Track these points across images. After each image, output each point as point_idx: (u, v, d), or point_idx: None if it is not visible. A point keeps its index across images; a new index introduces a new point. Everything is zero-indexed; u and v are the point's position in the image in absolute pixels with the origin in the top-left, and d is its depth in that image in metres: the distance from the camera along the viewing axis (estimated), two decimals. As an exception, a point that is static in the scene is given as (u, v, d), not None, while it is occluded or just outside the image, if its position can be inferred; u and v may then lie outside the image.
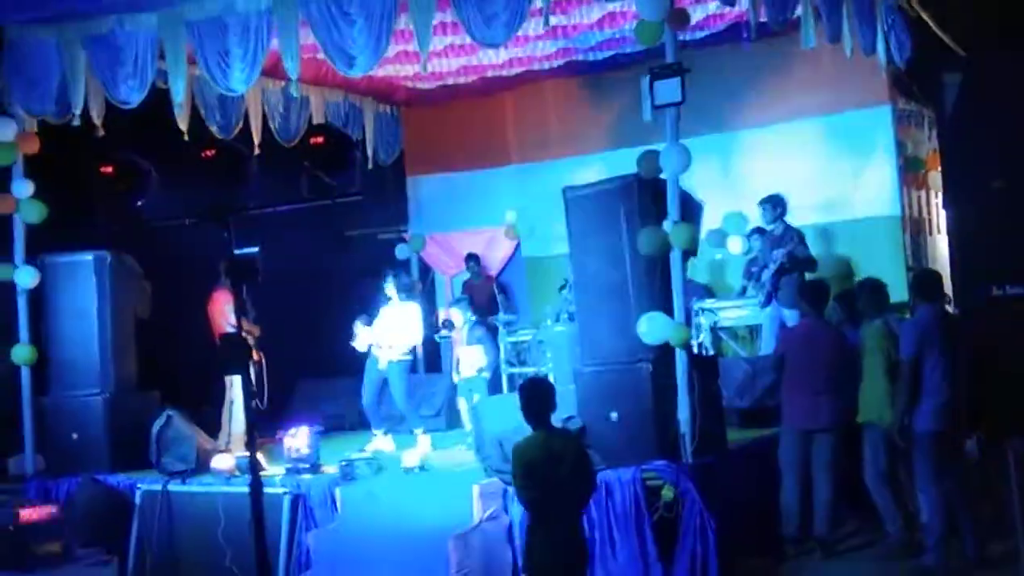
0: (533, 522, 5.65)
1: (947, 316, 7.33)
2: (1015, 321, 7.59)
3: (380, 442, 9.62)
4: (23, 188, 9.32)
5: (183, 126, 9.39)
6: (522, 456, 5.60)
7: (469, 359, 9.90)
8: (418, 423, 9.71)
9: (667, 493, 7.15)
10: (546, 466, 5.52)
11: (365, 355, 9.84)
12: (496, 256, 12.71)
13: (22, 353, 9.31)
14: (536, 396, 5.73)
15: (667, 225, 7.39)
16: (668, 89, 7.34)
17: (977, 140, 7.57)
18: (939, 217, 11.60)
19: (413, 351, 10.11)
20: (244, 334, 5.04)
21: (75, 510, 8.55)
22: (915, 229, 10.93)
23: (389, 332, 9.67)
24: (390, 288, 9.82)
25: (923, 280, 7.56)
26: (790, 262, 9.84)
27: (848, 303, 8.01)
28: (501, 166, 12.55)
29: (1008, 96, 8.20)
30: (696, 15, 9.35)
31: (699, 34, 9.99)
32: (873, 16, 9.21)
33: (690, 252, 7.64)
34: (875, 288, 7.58)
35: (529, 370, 11.05)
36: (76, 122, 8.82)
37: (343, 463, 8.19)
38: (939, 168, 11.09)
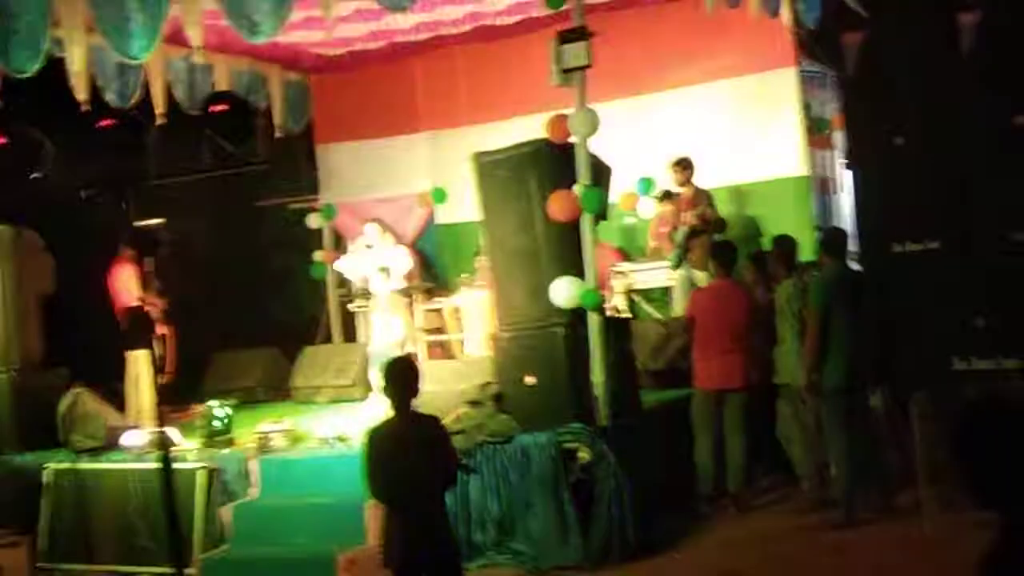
0: (388, 511, 5.34)
1: (852, 273, 7.48)
2: (916, 277, 7.77)
3: None
4: (-86, 162, 9.00)
5: (81, 97, 9.10)
6: (370, 442, 5.19)
7: (385, 329, 9.83)
8: None
9: (583, 455, 7.21)
10: (395, 452, 5.09)
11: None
12: (411, 223, 12.62)
13: (-81, 332, 9.03)
14: (396, 378, 5.22)
15: (577, 189, 7.41)
16: (576, 53, 7.35)
17: (878, 100, 7.71)
18: (843, 177, 11.80)
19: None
20: (147, 307, 4.94)
21: (-18, 491, 8.35)
22: (821, 189, 11.10)
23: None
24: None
25: (830, 238, 7.70)
26: (701, 223, 9.94)
27: (760, 263, 8.13)
28: (412, 133, 12.42)
29: (907, 56, 8.36)
30: (603, -23, 9.34)
31: (604, -4, 9.98)
32: (778, -22, 9.30)
33: (600, 216, 7.67)
34: (785, 247, 7.70)
35: (444, 337, 11.03)
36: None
37: (259, 435, 8.10)
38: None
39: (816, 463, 7.56)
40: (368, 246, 9.84)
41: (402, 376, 5.22)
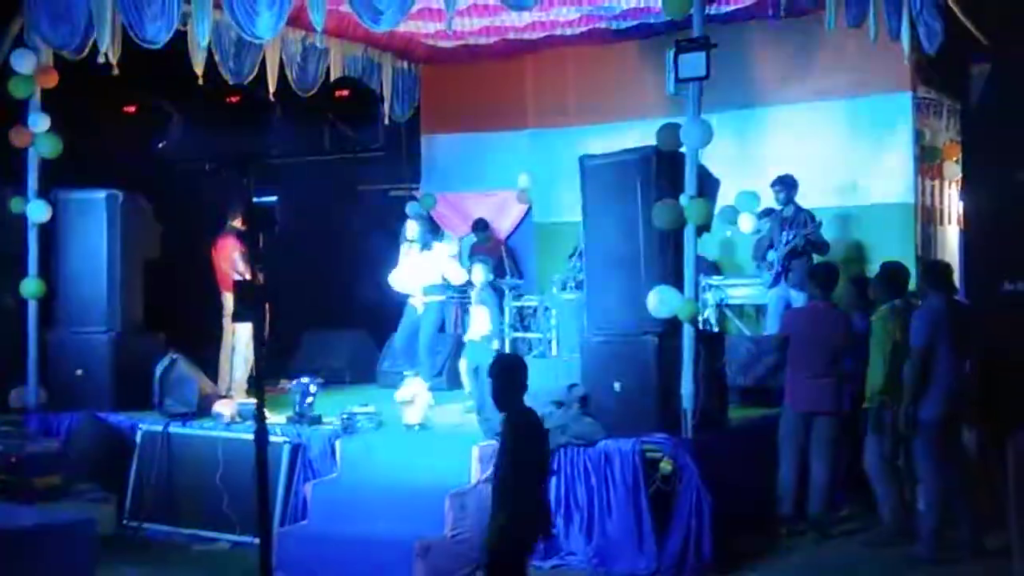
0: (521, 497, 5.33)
1: (957, 307, 7.33)
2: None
3: (413, 383, 9.61)
4: (39, 122, 9.30)
5: (199, 70, 9.35)
6: (530, 426, 5.37)
7: (477, 321, 9.88)
8: (428, 375, 9.65)
9: (665, 466, 7.18)
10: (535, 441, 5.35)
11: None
12: (506, 220, 12.70)
13: (30, 287, 9.33)
14: (505, 376, 5.36)
15: (683, 199, 7.38)
16: (693, 63, 7.31)
17: (1001, 132, 7.53)
18: (951, 208, 11.57)
19: (448, 291, 10.00)
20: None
21: (75, 446, 8.60)
22: (926, 218, 10.91)
23: (418, 276, 9.61)
24: (412, 229, 9.70)
25: (934, 271, 7.55)
26: (805, 244, 9.83)
27: (861, 287, 8.02)
28: (517, 130, 12.49)
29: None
30: (724, -11, 9.30)
31: (725, 8, 9.93)
32: (901, 1, 9.16)
33: (704, 228, 7.63)
34: (893, 273, 7.57)
35: (533, 335, 11.06)
36: (102, 59, 8.77)
37: (344, 416, 8.22)
38: (955, 158, 11.05)
39: (901, 495, 7.43)
40: (410, 240, 9.83)
41: (511, 373, 5.38)
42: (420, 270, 9.70)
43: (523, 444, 5.30)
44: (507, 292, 11.11)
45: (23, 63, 9.21)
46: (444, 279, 9.87)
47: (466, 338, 10.07)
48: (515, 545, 5.31)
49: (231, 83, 9.92)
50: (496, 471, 5.49)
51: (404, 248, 9.87)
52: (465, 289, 10.77)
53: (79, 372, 9.27)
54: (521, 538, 5.34)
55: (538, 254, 12.44)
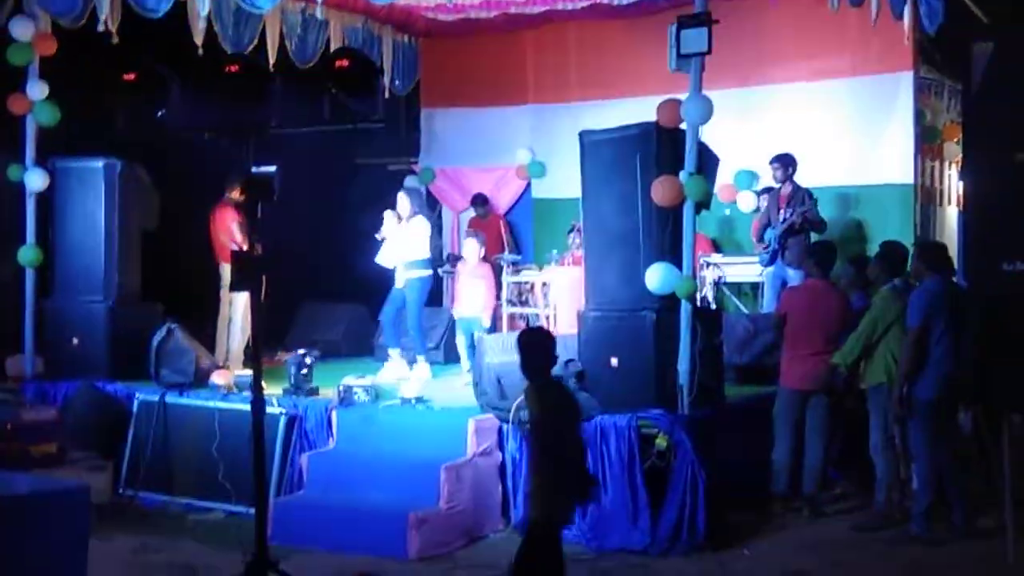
0: (553, 469, 5.35)
1: (954, 288, 7.34)
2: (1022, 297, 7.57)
3: (394, 363, 9.63)
4: (37, 89, 9.26)
5: (199, 40, 9.31)
6: (556, 403, 5.43)
7: (472, 295, 9.90)
8: (422, 349, 9.71)
9: (661, 442, 7.19)
10: (569, 415, 5.50)
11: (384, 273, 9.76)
12: (505, 195, 12.69)
13: (28, 255, 9.31)
14: (538, 348, 5.52)
15: (683, 176, 7.37)
16: (695, 38, 7.29)
17: (1002, 113, 7.51)
18: (951, 188, 11.58)
19: (431, 266, 9.91)
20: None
21: (72, 414, 8.60)
22: (926, 199, 10.92)
23: (401, 249, 9.55)
24: (404, 204, 9.61)
25: (931, 251, 7.54)
26: (803, 222, 9.83)
27: (860, 267, 8.02)
28: (517, 105, 12.46)
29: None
30: (726, -35, 9.23)
31: (728, -15, 9.88)
32: (905, -19, 9.12)
33: (703, 205, 7.62)
34: (893, 253, 7.57)
35: (530, 311, 11.07)
36: (101, 27, 8.72)
37: (342, 388, 8.23)
38: (955, 139, 11.05)
39: (897, 475, 7.46)
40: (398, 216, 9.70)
41: (541, 345, 5.52)
42: (399, 243, 9.60)
43: (556, 413, 5.38)
44: (505, 267, 11.11)
45: (21, 30, 9.16)
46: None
47: (456, 314, 10.08)
48: (554, 513, 5.37)
49: (230, 53, 9.87)
50: (531, 442, 5.57)
51: (387, 221, 9.70)
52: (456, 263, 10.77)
53: (75, 341, 9.26)
54: (560, 507, 5.39)
55: (536, 230, 12.43)
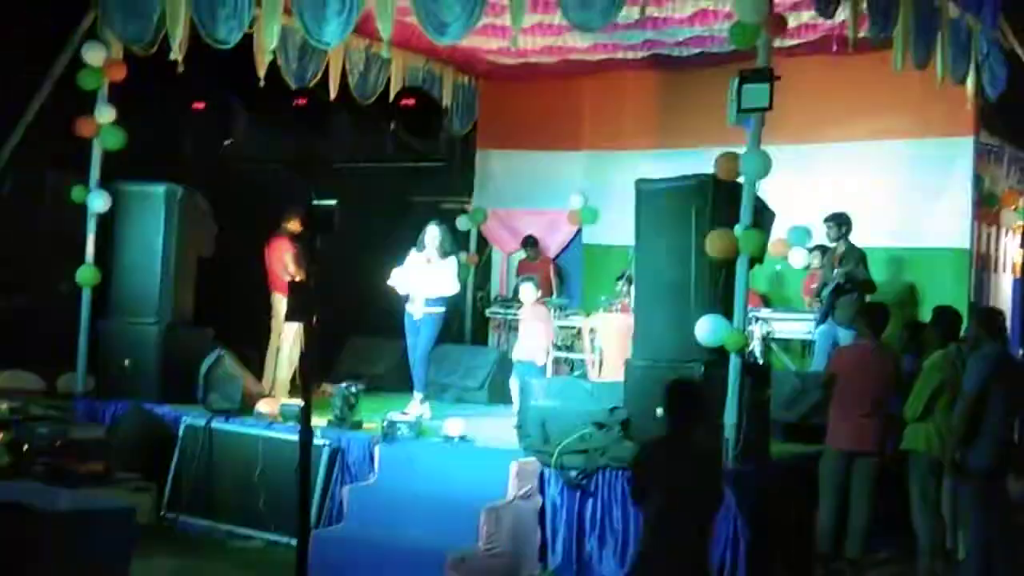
0: (651, 527, 5.26)
1: (1010, 357, 7.25)
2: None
3: (417, 406, 9.57)
4: (105, 113, 9.48)
5: (261, 72, 9.47)
6: (650, 456, 5.36)
7: (532, 339, 9.79)
8: (422, 387, 9.38)
9: (704, 495, 7.13)
10: (676, 471, 5.21)
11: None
12: (556, 239, 12.73)
13: (86, 275, 9.49)
14: (688, 400, 5.38)
15: (738, 230, 7.36)
16: (756, 93, 7.29)
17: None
18: (1006, 255, 11.46)
19: (445, 304, 9.55)
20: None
21: (119, 434, 8.70)
22: (981, 265, 10.82)
23: (422, 285, 9.32)
24: (432, 237, 9.30)
25: (990, 317, 7.46)
26: (848, 282, 9.77)
27: (914, 331, 7.95)
28: (572, 150, 12.54)
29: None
30: (790, 23, 9.25)
31: (788, 42, 9.90)
32: (968, 46, 9.11)
33: (757, 259, 7.60)
34: (949, 318, 7.51)
35: (577, 356, 11.06)
36: (173, 56, 8.91)
37: (385, 422, 8.25)
38: (1014, 206, 10.95)
39: (942, 541, 7.34)
40: (428, 260, 9.47)
41: (693, 399, 5.41)
42: (430, 278, 9.34)
43: (692, 474, 5.23)
44: (552, 311, 11.11)
45: (93, 56, 9.40)
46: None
47: (515, 357, 9.95)
48: None
49: (292, 87, 10.01)
50: (651, 499, 5.27)
51: (414, 252, 9.52)
52: (511, 306, 10.74)
53: (127, 362, 9.38)
54: None
55: (585, 275, 12.45)
